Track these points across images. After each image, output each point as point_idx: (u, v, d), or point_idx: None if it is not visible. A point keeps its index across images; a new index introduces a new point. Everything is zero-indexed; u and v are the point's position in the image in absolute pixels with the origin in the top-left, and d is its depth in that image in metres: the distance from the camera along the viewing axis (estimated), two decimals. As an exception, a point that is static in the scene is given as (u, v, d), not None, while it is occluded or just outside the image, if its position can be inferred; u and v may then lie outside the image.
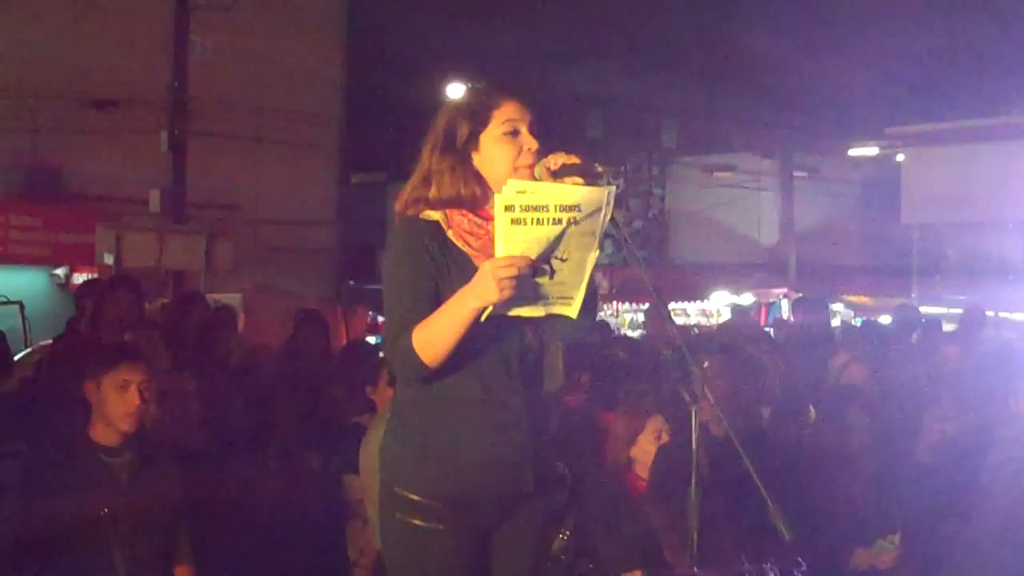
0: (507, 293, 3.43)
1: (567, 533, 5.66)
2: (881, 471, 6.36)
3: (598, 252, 3.59)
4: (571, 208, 3.45)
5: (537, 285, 3.57)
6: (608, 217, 3.52)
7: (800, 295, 20.64)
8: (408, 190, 3.87)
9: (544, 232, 3.44)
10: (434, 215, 3.75)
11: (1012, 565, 5.51)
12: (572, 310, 3.68)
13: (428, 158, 3.84)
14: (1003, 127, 19.35)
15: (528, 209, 3.41)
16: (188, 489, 5.45)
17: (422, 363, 3.60)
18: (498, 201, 3.42)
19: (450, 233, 3.72)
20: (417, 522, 3.77)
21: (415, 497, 3.77)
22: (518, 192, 3.42)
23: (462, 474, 3.76)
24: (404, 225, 3.80)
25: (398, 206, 3.87)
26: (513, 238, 3.42)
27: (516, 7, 31.29)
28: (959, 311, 20.47)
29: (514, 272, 3.42)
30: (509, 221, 3.41)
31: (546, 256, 3.50)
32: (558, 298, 3.64)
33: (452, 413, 3.77)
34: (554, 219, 3.43)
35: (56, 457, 5.20)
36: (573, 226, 3.46)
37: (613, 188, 3.53)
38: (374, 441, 6.29)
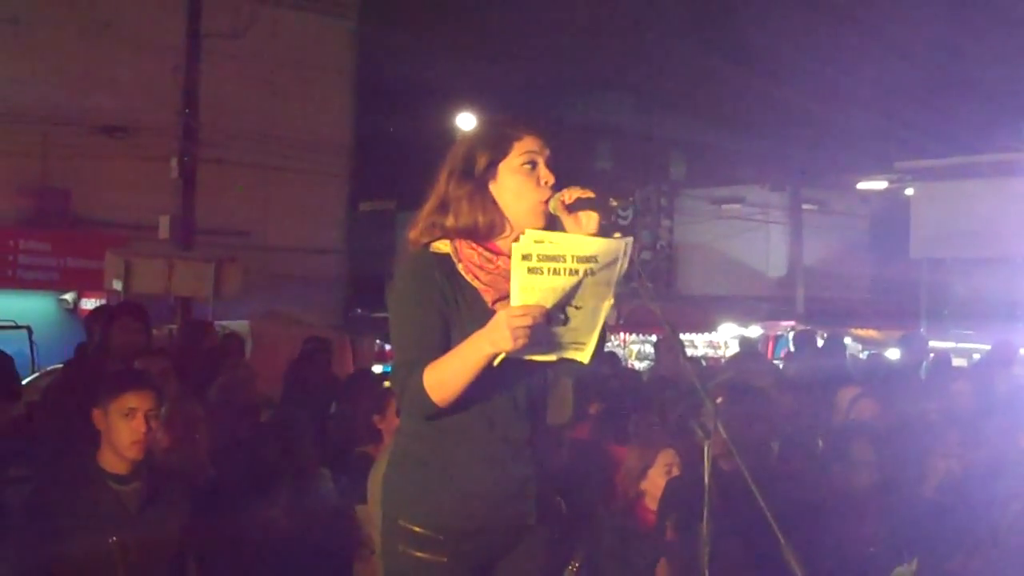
0: (521, 342, 3.44)
1: (576, 565, 5.64)
2: (891, 508, 6.33)
3: (612, 300, 3.61)
4: (588, 259, 3.46)
5: (551, 332, 3.58)
6: (624, 267, 3.53)
7: (795, 331, 20.65)
8: (424, 216, 3.87)
9: (560, 282, 3.45)
10: (445, 247, 3.76)
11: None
12: (584, 355, 3.70)
13: (445, 184, 3.84)
14: (1012, 163, 19.34)
15: (545, 259, 3.43)
16: (196, 518, 5.43)
17: (433, 403, 3.61)
18: (515, 250, 3.43)
19: (460, 266, 3.73)
20: (420, 554, 3.77)
21: (418, 529, 3.78)
22: (535, 241, 3.44)
23: (465, 506, 3.77)
24: (413, 258, 3.80)
25: (412, 233, 3.88)
26: (529, 287, 3.43)
27: (526, 39, 31.37)
28: (968, 346, 20.49)
29: (529, 322, 3.43)
30: (526, 270, 3.42)
31: (561, 305, 3.51)
32: (571, 344, 3.66)
33: (456, 446, 3.77)
34: (571, 269, 3.45)
35: (65, 484, 5.18)
36: (589, 276, 3.47)
37: (631, 239, 3.54)
38: (381, 471, 6.28)
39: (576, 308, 3.56)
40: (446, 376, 3.59)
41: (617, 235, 3.59)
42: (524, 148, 3.78)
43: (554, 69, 32.28)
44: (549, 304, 3.46)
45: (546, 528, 3.99)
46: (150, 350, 8.08)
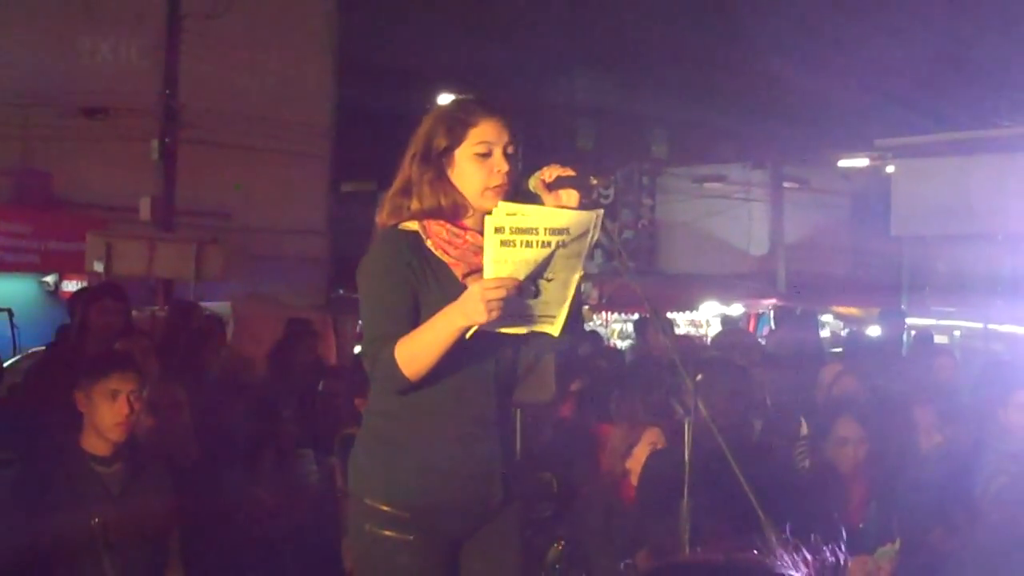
0: (495, 314, 3.47)
1: (562, 543, 5.66)
2: (877, 484, 6.36)
3: (582, 272, 3.63)
4: (560, 231, 3.49)
5: (523, 304, 3.60)
6: (595, 239, 3.57)
7: (775, 309, 20.69)
8: (389, 198, 3.90)
9: (533, 254, 3.47)
10: (413, 225, 3.77)
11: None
12: (554, 328, 3.72)
13: (408, 167, 3.86)
14: (994, 139, 19.35)
15: (517, 231, 3.45)
16: (180, 499, 5.44)
17: (404, 377, 3.62)
18: (488, 222, 3.45)
19: (429, 243, 3.74)
20: (386, 533, 3.79)
21: (384, 508, 3.80)
22: (508, 214, 3.46)
23: (431, 485, 3.79)
24: (382, 237, 3.82)
25: (380, 216, 3.90)
26: (502, 259, 3.46)
27: (507, 18, 31.31)
28: (948, 323, 20.53)
29: (502, 294, 3.45)
30: (499, 243, 3.44)
31: (533, 277, 3.54)
32: (541, 316, 3.68)
33: (422, 424, 3.79)
34: (543, 242, 3.48)
35: (48, 466, 5.18)
36: (561, 248, 3.50)
37: (601, 211, 3.58)
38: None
39: (547, 280, 3.59)
40: (418, 349, 3.60)
41: (607, 196, 3.62)
42: (479, 136, 3.78)
43: (535, 48, 32.22)
44: (521, 276, 3.49)
45: (515, 509, 4.01)
46: (130, 331, 8.05)
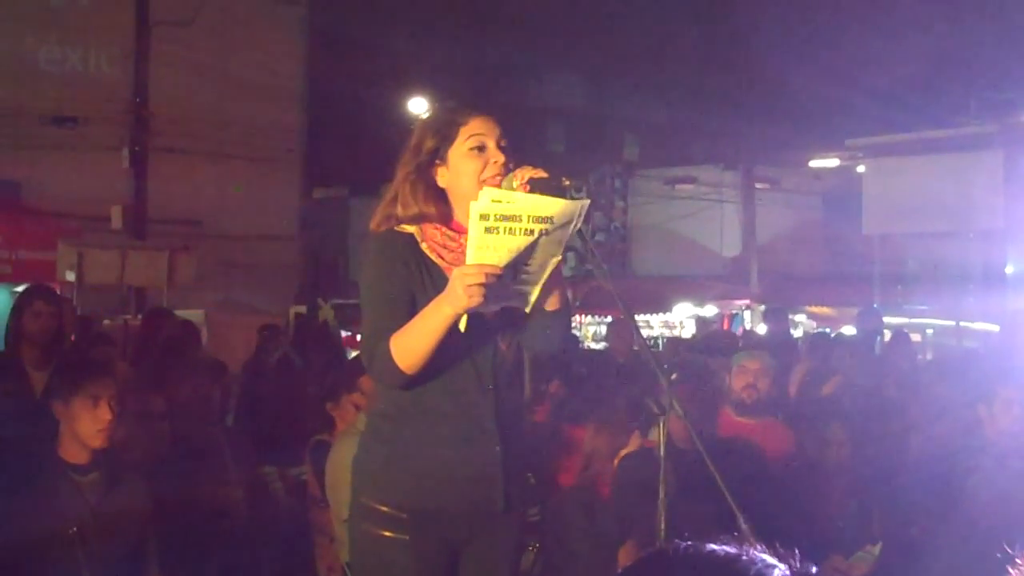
0: (476, 300, 3.45)
1: (536, 545, 5.66)
2: (859, 481, 6.39)
3: (559, 258, 3.63)
4: (544, 220, 3.47)
5: (501, 288, 3.59)
6: (577, 228, 3.56)
7: (767, 307, 20.72)
8: (381, 207, 3.90)
9: (516, 242, 3.46)
10: (409, 228, 3.79)
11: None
12: (527, 304, 3.71)
13: (399, 175, 3.87)
14: (962, 138, 19.49)
15: (502, 218, 3.43)
16: (156, 507, 5.41)
17: (400, 370, 3.62)
18: (473, 208, 3.43)
19: (424, 246, 3.76)
20: (383, 533, 3.80)
21: (382, 508, 3.81)
22: (493, 200, 3.44)
23: (428, 486, 3.79)
24: (379, 238, 3.84)
25: (372, 223, 3.91)
26: (485, 246, 3.44)
27: (478, 22, 31.33)
28: (921, 321, 20.65)
29: (482, 279, 3.43)
30: (483, 229, 3.43)
31: (515, 264, 3.52)
32: (516, 293, 3.67)
33: (422, 425, 3.80)
34: (527, 230, 3.45)
35: (24, 476, 5.15)
36: (544, 236, 3.49)
37: (587, 202, 3.55)
38: (337, 457, 6.30)
39: (526, 265, 3.58)
40: (411, 340, 3.61)
41: (581, 197, 3.62)
42: (470, 132, 3.79)
43: (505, 51, 32.23)
44: (503, 263, 3.47)
45: (515, 521, 4.02)
46: (99, 339, 7.94)
